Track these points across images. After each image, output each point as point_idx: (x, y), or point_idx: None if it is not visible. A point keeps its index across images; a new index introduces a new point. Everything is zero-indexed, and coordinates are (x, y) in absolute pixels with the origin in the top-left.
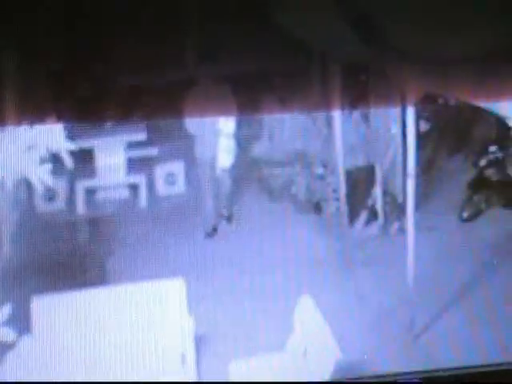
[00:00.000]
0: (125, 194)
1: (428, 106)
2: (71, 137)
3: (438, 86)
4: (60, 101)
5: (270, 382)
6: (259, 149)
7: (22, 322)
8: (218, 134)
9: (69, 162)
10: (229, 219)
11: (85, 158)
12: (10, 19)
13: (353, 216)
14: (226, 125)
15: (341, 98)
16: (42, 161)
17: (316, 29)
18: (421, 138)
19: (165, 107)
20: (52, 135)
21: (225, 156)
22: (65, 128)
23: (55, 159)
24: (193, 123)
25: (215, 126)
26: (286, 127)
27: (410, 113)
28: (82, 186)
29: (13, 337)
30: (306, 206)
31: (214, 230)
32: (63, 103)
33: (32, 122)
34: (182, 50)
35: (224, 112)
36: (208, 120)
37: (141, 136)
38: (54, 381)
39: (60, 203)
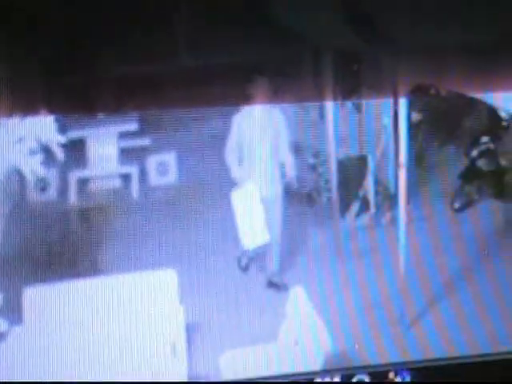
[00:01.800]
0: (117, 184)
1: (420, 96)
2: (63, 128)
3: (430, 76)
4: (51, 92)
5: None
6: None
7: (13, 312)
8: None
9: (60, 152)
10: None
11: (77, 148)
12: None
13: (344, 206)
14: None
15: (333, 88)
16: (34, 152)
17: (309, 19)
18: (412, 128)
19: (156, 97)
20: (44, 127)
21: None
22: (57, 119)
23: (47, 150)
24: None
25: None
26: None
27: (402, 103)
28: (74, 176)
29: (4, 326)
30: (297, 196)
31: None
32: (55, 95)
33: (23, 114)
34: (172, 41)
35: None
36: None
37: (132, 126)
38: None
39: (52, 194)
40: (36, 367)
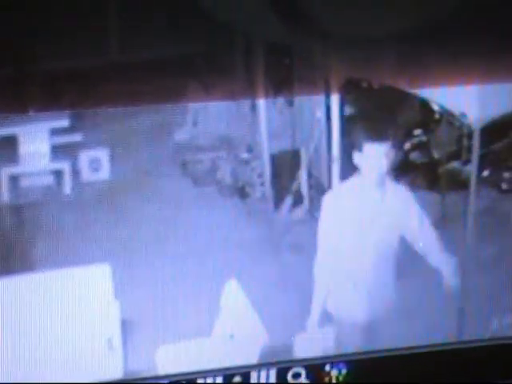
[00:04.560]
0: (49, 180)
1: (352, 90)
2: None
3: (362, 69)
4: None
5: None
6: (183, 135)
7: None
8: None
9: None
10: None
11: (8, 145)
12: None
13: (278, 200)
14: None
15: (265, 82)
16: None
17: (239, 11)
18: (345, 122)
19: (87, 94)
20: None
21: None
22: None
23: None
24: None
25: None
26: (209, 112)
27: (335, 97)
28: (5, 172)
29: None
30: (231, 191)
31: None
32: None
33: None
34: (103, 34)
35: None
36: None
37: (64, 122)
38: None
39: None
40: None
